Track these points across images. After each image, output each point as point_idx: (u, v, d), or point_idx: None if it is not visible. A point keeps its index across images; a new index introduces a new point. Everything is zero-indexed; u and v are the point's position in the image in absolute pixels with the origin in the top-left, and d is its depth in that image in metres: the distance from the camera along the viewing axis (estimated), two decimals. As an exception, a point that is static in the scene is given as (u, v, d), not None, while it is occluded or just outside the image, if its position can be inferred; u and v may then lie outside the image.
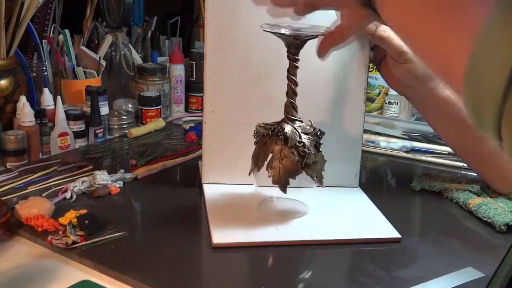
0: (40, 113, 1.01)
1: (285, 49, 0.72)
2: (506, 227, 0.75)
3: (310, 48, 0.72)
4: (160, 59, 1.43)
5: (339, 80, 0.81)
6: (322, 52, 0.69)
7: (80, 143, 1.07)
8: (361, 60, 0.84)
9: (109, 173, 0.87)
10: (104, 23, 1.30)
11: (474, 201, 0.81)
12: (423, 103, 0.85)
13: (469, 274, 0.65)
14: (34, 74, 1.14)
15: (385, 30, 0.79)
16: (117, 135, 1.15)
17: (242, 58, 0.80)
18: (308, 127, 0.74)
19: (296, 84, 0.72)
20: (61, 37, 1.20)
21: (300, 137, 0.71)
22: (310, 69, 0.70)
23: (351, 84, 0.85)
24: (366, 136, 1.15)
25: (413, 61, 0.79)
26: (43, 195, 0.81)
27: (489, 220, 0.77)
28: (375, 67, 0.89)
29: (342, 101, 0.84)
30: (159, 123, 1.19)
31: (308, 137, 0.72)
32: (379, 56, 0.85)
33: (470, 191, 0.84)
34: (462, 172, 0.99)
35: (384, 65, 0.84)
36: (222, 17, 0.81)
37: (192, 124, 1.21)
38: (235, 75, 0.83)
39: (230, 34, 0.82)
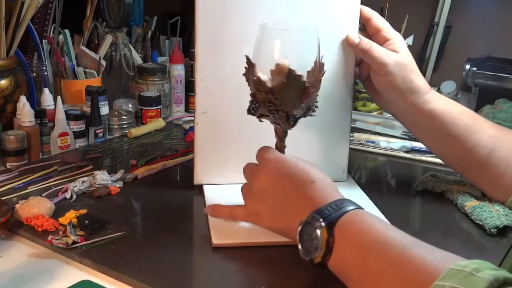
0: (40, 113, 1.01)
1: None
2: (496, 230, 0.75)
3: (300, 42, 0.72)
4: (160, 59, 1.43)
5: (327, 75, 0.81)
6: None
7: (80, 143, 1.07)
8: (348, 56, 0.85)
9: (109, 173, 0.87)
10: (104, 23, 1.31)
11: (470, 204, 0.81)
12: (408, 119, 0.85)
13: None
14: (34, 74, 1.14)
15: (367, 43, 0.80)
16: (117, 135, 1.15)
17: (234, 58, 0.80)
18: None
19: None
20: (61, 37, 1.20)
21: None
22: (297, 64, 0.70)
23: (338, 79, 0.85)
24: (366, 136, 1.15)
25: (393, 74, 0.80)
26: (43, 195, 0.81)
27: (480, 223, 0.78)
28: (362, 83, 0.90)
29: (330, 96, 0.84)
30: (159, 123, 1.19)
31: None
32: (365, 72, 0.86)
33: (471, 194, 0.85)
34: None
35: (369, 81, 0.85)
36: (213, 18, 0.81)
37: (192, 124, 1.21)
38: (227, 76, 0.83)
39: (222, 34, 0.81)
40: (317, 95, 0.73)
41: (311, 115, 0.74)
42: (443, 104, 0.82)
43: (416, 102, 0.81)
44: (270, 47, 0.71)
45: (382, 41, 0.81)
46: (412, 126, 0.87)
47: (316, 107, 0.74)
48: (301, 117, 0.73)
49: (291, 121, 0.72)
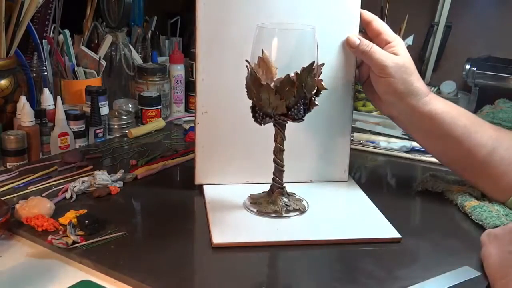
0: (40, 113, 1.01)
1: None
2: None
3: (298, 41, 0.73)
4: (160, 59, 1.43)
5: (328, 75, 0.82)
6: None
7: (80, 143, 1.07)
8: (349, 56, 0.85)
9: (109, 173, 0.87)
10: (104, 23, 1.30)
11: (470, 204, 0.81)
12: (408, 121, 0.85)
13: (466, 273, 0.66)
14: (34, 74, 1.14)
15: (368, 45, 0.81)
16: (117, 135, 1.15)
17: (235, 58, 0.80)
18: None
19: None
20: (61, 37, 1.20)
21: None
22: (299, 64, 0.70)
23: (339, 79, 0.86)
24: (366, 136, 1.15)
25: (394, 76, 0.80)
26: (43, 195, 0.81)
27: (480, 223, 0.78)
28: (361, 86, 0.90)
29: (330, 96, 0.84)
30: (159, 123, 1.19)
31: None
32: (365, 74, 0.86)
33: (471, 194, 0.85)
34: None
35: (368, 84, 0.85)
36: (214, 17, 0.81)
37: (192, 124, 1.21)
38: (228, 75, 0.83)
39: (223, 34, 0.82)
40: (302, 100, 0.72)
41: (293, 120, 0.73)
42: (442, 105, 0.82)
43: (415, 104, 0.82)
44: (267, 46, 0.71)
45: (382, 44, 0.82)
46: (412, 128, 0.87)
47: (301, 113, 0.73)
48: (274, 118, 0.73)
49: (258, 115, 0.73)
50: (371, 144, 1.12)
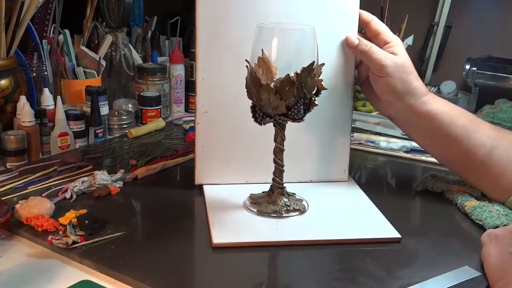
0: (40, 113, 1.01)
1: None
2: None
3: (298, 41, 0.73)
4: (160, 59, 1.43)
5: (328, 75, 0.82)
6: None
7: (80, 143, 1.07)
8: (349, 56, 0.85)
9: (109, 173, 0.87)
10: (104, 23, 1.31)
11: (470, 204, 0.81)
12: (406, 121, 0.86)
13: (466, 273, 0.66)
14: (34, 74, 1.14)
15: (367, 45, 0.81)
16: (117, 135, 1.15)
17: (235, 57, 0.80)
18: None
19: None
20: (61, 37, 1.20)
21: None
22: (299, 64, 0.70)
23: (339, 79, 0.86)
24: (366, 136, 1.15)
25: (392, 76, 0.80)
26: (43, 195, 0.81)
27: (480, 223, 0.78)
28: (360, 86, 0.90)
29: (330, 96, 0.84)
30: (159, 123, 1.19)
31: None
32: (364, 74, 0.86)
33: (471, 194, 0.85)
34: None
35: (367, 84, 0.85)
36: (213, 17, 0.81)
37: (192, 124, 1.21)
38: (228, 75, 0.83)
39: (222, 34, 0.82)
40: (302, 100, 0.72)
41: (293, 120, 0.73)
42: (440, 105, 0.83)
43: (414, 104, 0.82)
44: (267, 46, 0.71)
45: (381, 44, 0.82)
46: (411, 128, 0.87)
47: (301, 113, 0.73)
48: (274, 118, 0.73)
49: (258, 115, 0.73)
50: (371, 144, 1.12)
